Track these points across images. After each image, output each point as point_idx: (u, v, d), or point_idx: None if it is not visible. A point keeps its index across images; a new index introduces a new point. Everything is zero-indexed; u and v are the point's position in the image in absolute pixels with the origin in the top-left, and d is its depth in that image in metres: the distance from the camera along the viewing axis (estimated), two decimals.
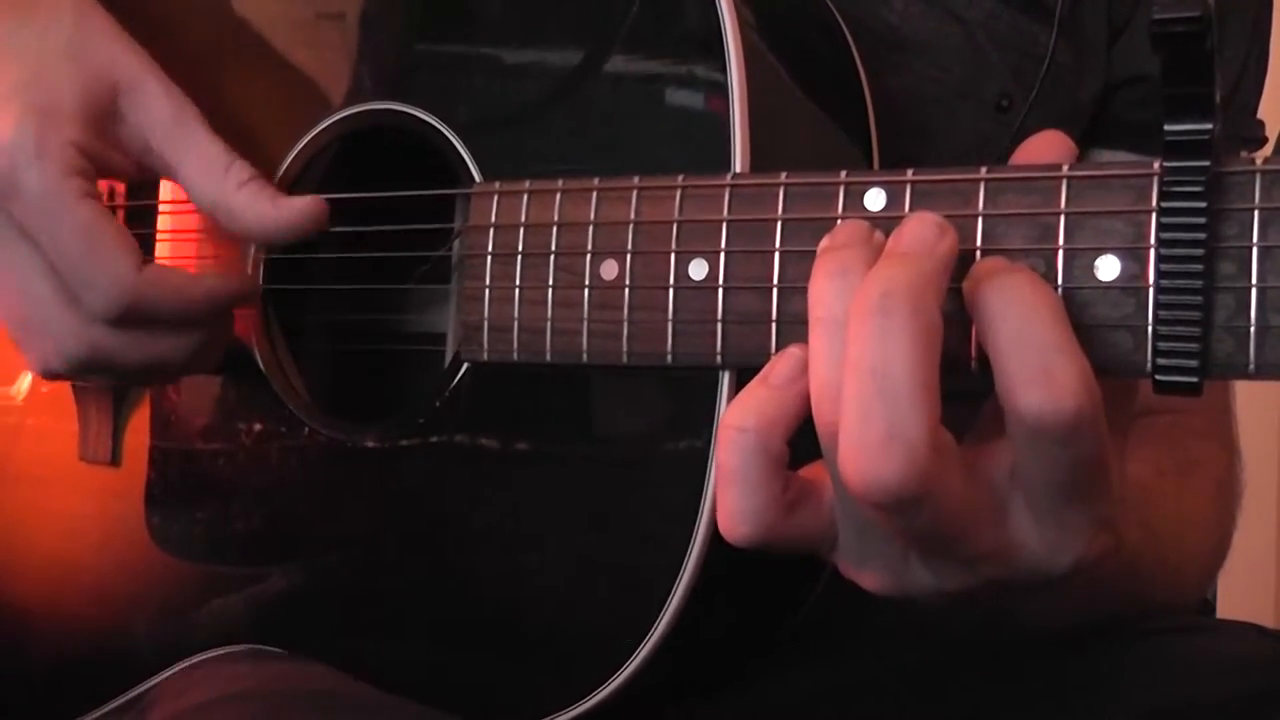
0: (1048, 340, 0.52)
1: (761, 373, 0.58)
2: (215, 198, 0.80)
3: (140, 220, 0.89)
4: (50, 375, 0.81)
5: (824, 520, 0.59)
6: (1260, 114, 0.98)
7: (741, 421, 0.57)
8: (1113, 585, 0.62)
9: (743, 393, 0.58)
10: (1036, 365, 0.52)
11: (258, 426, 0.85)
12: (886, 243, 0.56)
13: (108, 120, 0.80)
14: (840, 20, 0.79)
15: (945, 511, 0.53)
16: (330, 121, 0.83)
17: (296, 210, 0.79)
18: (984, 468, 0.56)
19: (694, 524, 0.68)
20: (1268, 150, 0.92)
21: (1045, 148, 0.58)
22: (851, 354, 0.52)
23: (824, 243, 0.58)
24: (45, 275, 0.77)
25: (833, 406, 0.54)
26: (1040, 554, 0.57)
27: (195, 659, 0.86)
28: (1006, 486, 0.56)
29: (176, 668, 0.87)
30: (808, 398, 0.56)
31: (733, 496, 0.57)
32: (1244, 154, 0.95)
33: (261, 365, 0.85)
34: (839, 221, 0.61)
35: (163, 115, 0.80)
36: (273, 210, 0.79)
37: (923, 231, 0.55)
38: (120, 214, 0.90)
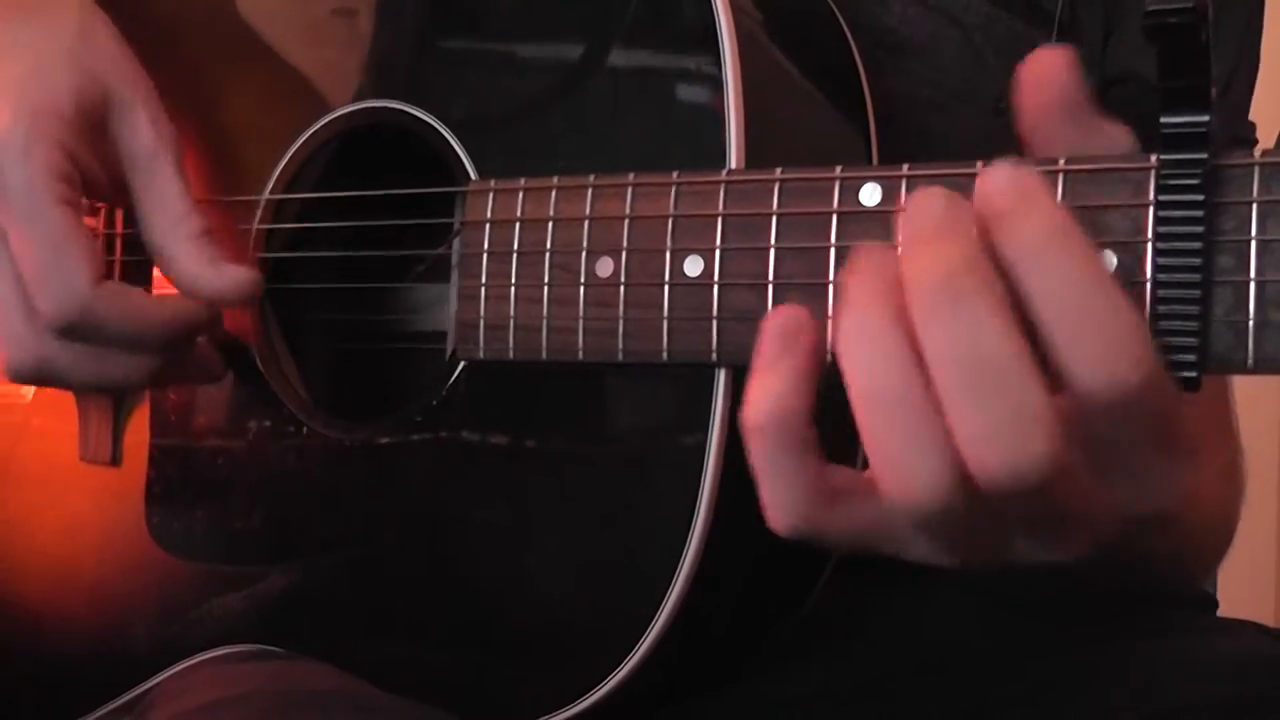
0: (1100, 309, 0.50)
1: (756, 359, 0.55)
2: (161, 242, 0.80)
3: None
4: (8, 379, 0.81)
5: (878, 516, 0.56)
6: (1255, 115, 0.98)
7: (757, 418, 0.55)
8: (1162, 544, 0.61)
9: (750, 387, 0.55)
10: (1098, 345, 0.49)
11: (257, 426, 0.85)
12: (903, 232, 0.53)
13: (95, 128, 0.80)
14: (840, 17, 0.79)
15: (1077, 477, 0.52)
16: (327, 120, 0.83)
17: (229, 279, 0.80)
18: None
19: (691, 522, 0.68)
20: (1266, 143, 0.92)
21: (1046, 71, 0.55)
22: (939, 349, 0.50)
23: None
24: (9, 279, 0.77)
25: (890, 417, 0.51)
26: (1134, 496, 0.55)
27: (195, 659, 0.86)
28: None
29: (177, 668, 0.87)
30: (813, 365, 0.54)
31: (769, 491, 0.56)
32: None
33: (260, 365, 0.85)
34: (834, 217, 0.61)
35: (141, 143, 0.81)
36: (209, 273, 0.79)
37: (934, 206, 0.52)
38: (119, 215, 0.90)
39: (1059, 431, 0.49)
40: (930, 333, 0.50)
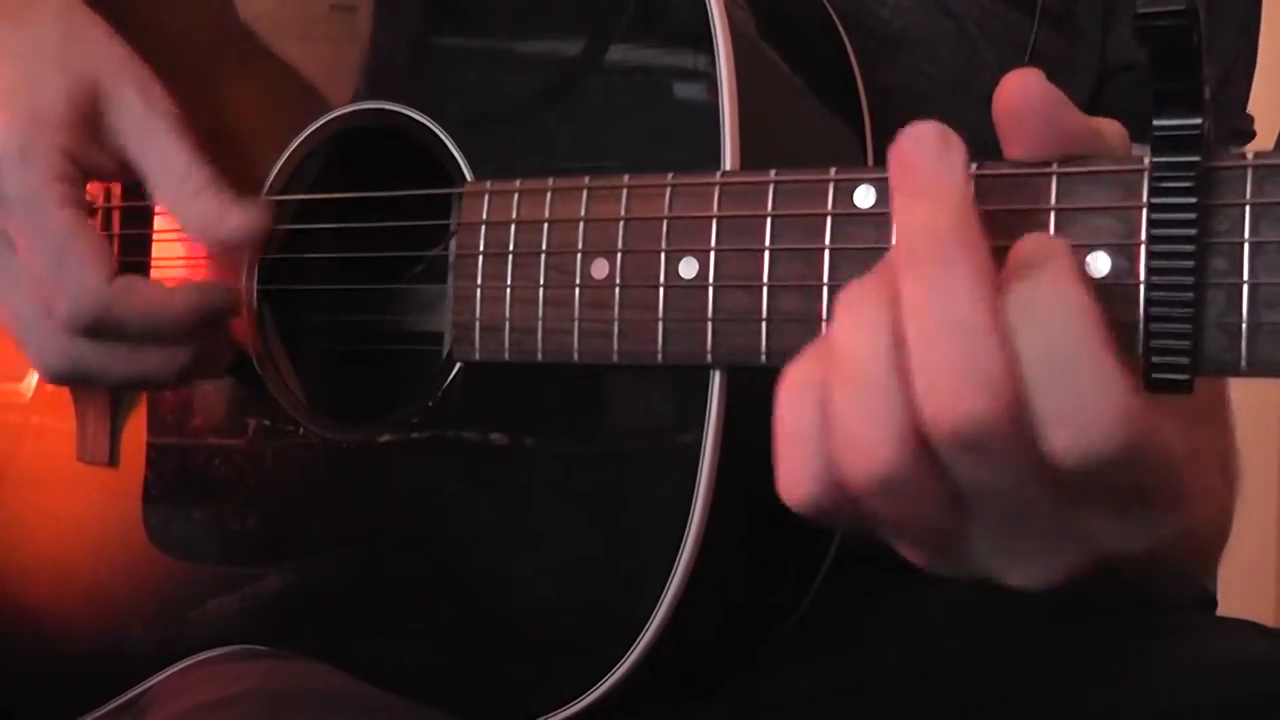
0: (1064, 356, 0.49)
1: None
2: (170, 200, 0.80)
3: (137, 221, 0.90)
4: (46, 381, 0.81)
5: None
6: (1254, 112, 0.97)
7: (805, 377, 0.54)
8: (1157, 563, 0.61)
9: (806, 349, 0.55)
10: (1055, 393, 0.49)
11: (254, 427, 0.85)
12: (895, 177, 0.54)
13: (91, 122, 0.80)
14: (832, 13, 0.79)
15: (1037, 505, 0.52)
16: (324, 121, 0.84)
17: (239, 222, 0.80)
18: None
19: (686, 522, 0.68)
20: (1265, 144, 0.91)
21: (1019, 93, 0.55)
22: (913, 299, 0.51)
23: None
24: (23, 285, 0.77)
25: (854, 379, 0.52)
26: (1114, 541, 0.55)
27: (193, 659, 0.86)
28: None
29: (174, 668, 0.87)
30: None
31: (792, 456, 0.54)
32: (1233, 148, 0.94)
33: (257, 366, 0.85)
34: (828, 219, 0.60)
35: (134, 116, 0.81)
36: (220, 218, 0.79)
37: (927, 146, 0.53)
38: (116, 215, 0.90)
39: (1011, 398, 0.49)
40: (907, 281, 0.51)
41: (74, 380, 0.81)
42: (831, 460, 0.53)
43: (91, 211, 0.90)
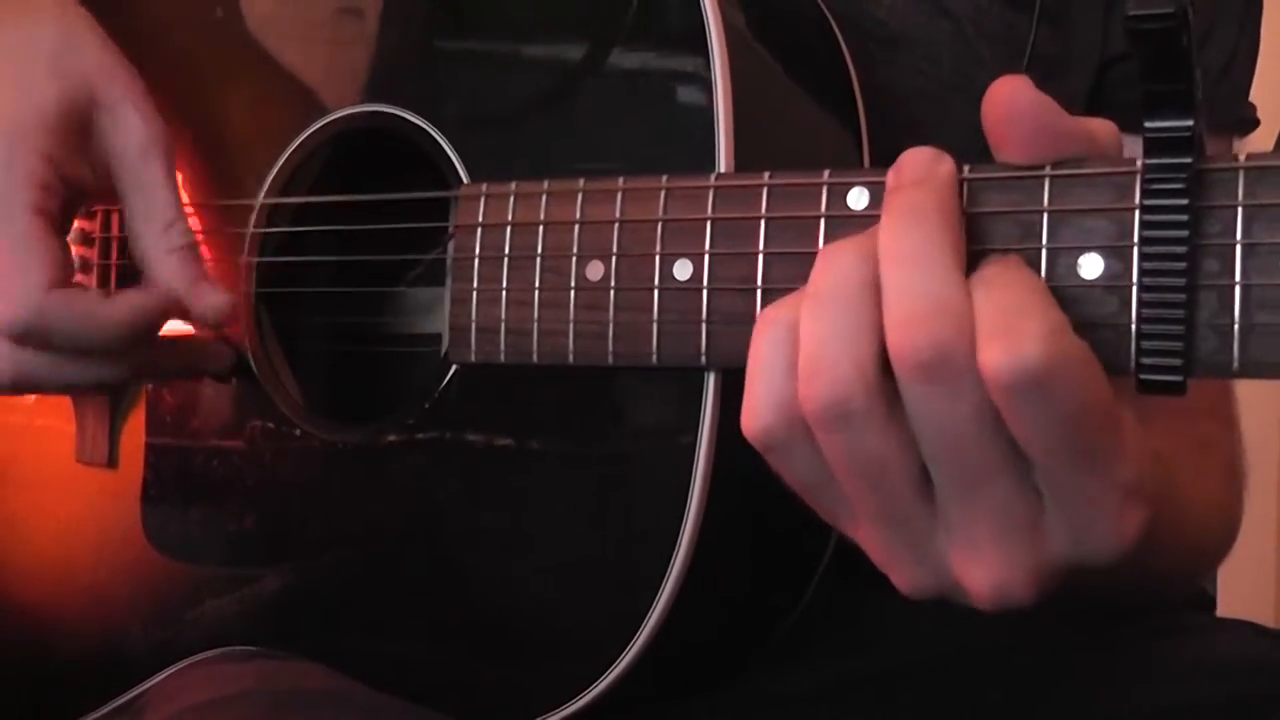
0: (1011, 302, 0.52)
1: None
2: (145, 252, 0.80)
3: None
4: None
5: None
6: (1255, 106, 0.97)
7: (780, 314, 0.56)
8: (1142, 561, 0.61)
9: (791, 295, 0.58)
10: (998, 322, 0.51)
11: (252, 429, 0.85)
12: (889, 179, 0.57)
13: (82, 133, 0.79)
14: (828, 14, 0.79)
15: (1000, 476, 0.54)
16: (321, 124, 0.84)
17: (206, 303, 0.80)
18: None
19: (682, 522, 0.68)
20: (1260, 138, 0.91)
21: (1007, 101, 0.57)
22: (889, 245, 0.54)
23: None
24: None
25: (823, 306, 0.55)
26: (1074, 536, 0.55)
27: (191, 660, 0.86)
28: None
29: (173, 668, 0.87)
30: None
31: (758, 386, 0.56)
32: (1237, 137, 0.94)
33: (255, 368, 0.85)
34: (822, 221, 0.61)
35: (131, 142, 0.80)
36: (187, 292, 0.79)
37: (920, 157, 0.57)
38: (115, 245, 0.90)
39: (970, 331, 0.52)
40: (885, 234, 0.54)
41: (14, 388, 0.80)
42: (795, 384, 0.55)
43: (89, 241, 0.90)
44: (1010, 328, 0.51)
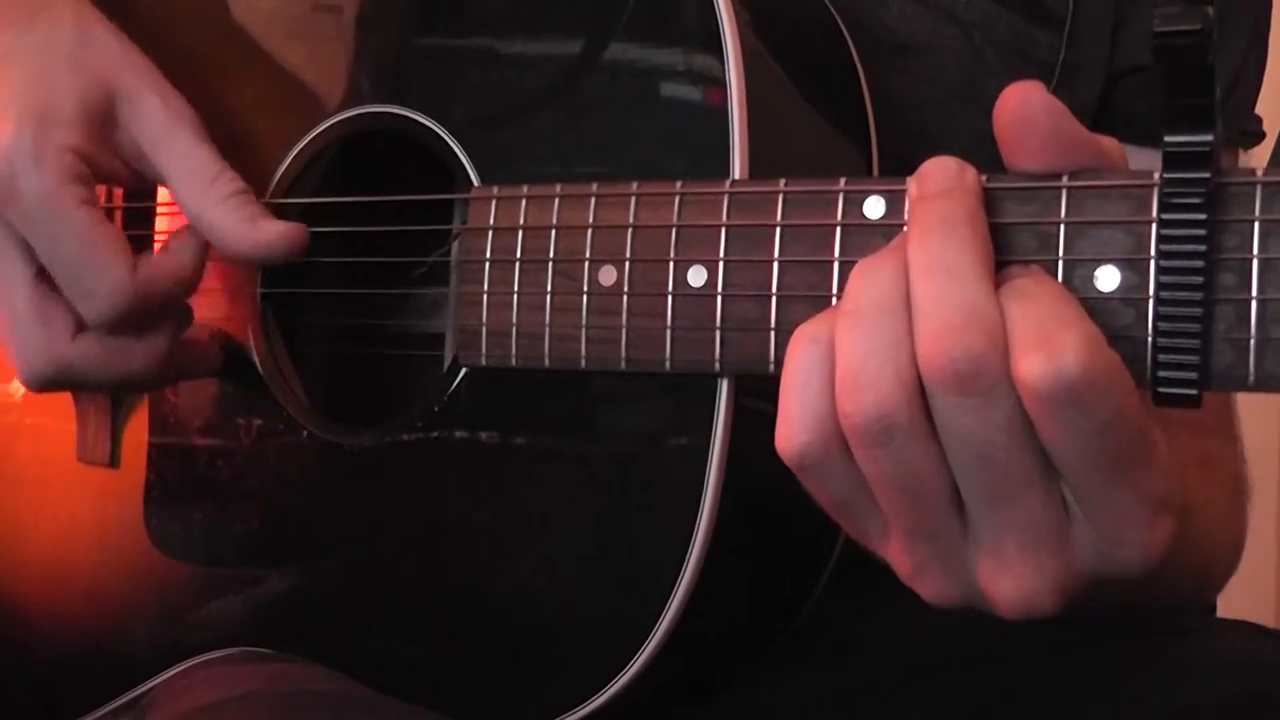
0: (1046, 314, 0.52)
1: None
2: (197, 210, 0.79)
3: (139, 221, 0.89)
4: (28, 388, 0.81)
5: None
6: (1260, 114, 0.97)
7: (816, 332, 0.57)
8: (1157, 574, 0.62)
9: (824, 313, 0.58)
10: (1034, 333, 0.52)
11: (256, 429, 0.85)
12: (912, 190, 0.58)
13: (105, 126, 0.79)
14: (839, 21, 0.79)
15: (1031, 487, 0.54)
16: (329, 124, 0.83)
17: (274, 234, 0.79)
18: None
19: (694, 528, 0.68)
20: (1265, 151, 0.91)
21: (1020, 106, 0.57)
22: (919, 258, 0.55)
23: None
24: (26, 289, 0.77)
25: (860, 324, 0.55)
26: (1102, 549, 0.56)
27: (194, 660, 0.86)
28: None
29: (175, 669, 0.87)
30: None
31: (794, 404, 0.56)
32: (1241, 150, 0.95)
33: (260, 368, 0.85)
34: (838, 230, 0.61)
35: (156, 122, 0.80)
36: (250, 231, 0.78)
37: (945, 167, 0.57)
38: (118, 215, 0.90)
39: (1003, 342, 0.52)
40: (915, 250, 0.55)
41: (54, 385, 0.80)
42: (832, 400, 0.55)
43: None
44: (1048, 338, 0.52)
